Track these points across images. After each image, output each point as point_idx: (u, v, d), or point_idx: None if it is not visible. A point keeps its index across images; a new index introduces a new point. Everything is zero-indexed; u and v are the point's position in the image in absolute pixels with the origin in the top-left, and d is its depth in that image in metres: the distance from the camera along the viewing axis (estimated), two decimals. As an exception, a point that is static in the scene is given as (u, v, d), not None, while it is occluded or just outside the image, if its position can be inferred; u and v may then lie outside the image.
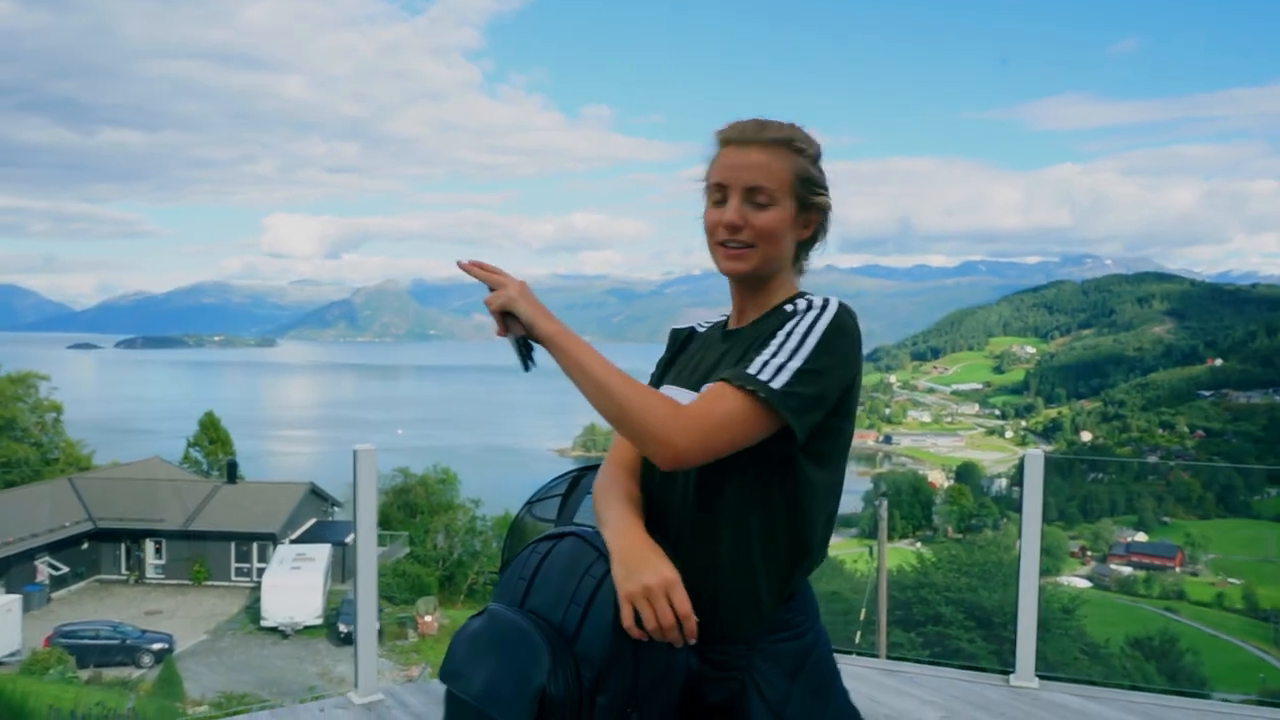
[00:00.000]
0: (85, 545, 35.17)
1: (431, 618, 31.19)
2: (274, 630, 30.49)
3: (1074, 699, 4.18)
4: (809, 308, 1.50)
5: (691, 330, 1.74)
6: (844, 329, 1.47)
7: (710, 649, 1.46)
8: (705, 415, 1.40)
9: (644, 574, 1.35)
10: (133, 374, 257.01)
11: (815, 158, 1.60)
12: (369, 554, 4.15)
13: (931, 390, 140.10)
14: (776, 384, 1.41)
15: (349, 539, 36.15)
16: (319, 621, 30.93)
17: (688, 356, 1.69)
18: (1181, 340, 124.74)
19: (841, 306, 1.50)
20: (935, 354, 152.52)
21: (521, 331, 1.46)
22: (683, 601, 1.35)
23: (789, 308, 1.55)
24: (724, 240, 1.56)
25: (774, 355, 1.44)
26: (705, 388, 1.48)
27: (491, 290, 1.48)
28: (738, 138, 1.56)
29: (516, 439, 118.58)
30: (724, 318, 1.70)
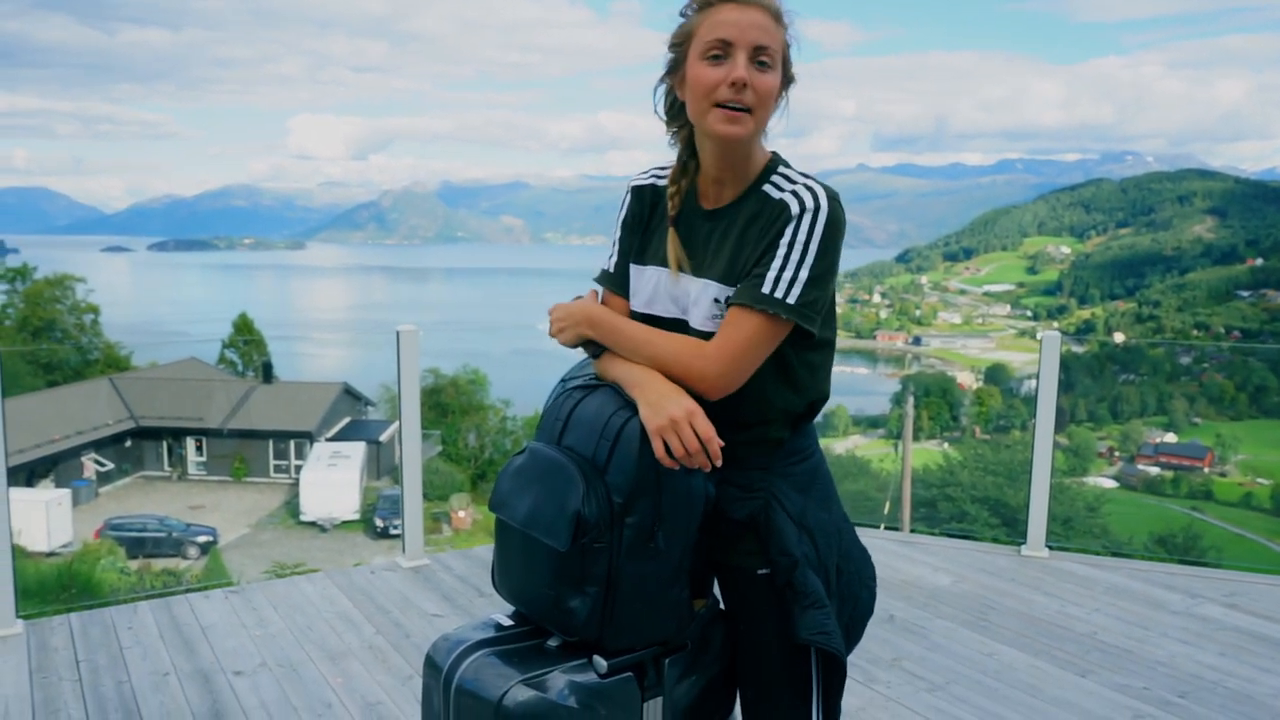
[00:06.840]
0: (128, 443, 36.17)
1: (465, 513, 31.99)
2: (313, 525, 31.46)
3: (1081, 567, 4.32)
4: (802, 210, 1.53)
5: (654, 189, 1.71)
6: (837, 223, 1.54)
7: (736, 474, 1.62)
8: (730, 345, 1.52)
9: (669, 407, 1.49)
10: (166, 277, 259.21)
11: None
12: (413, 426, 4.29)
13: (963, 292, 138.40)
14: (792, 299, 1.51)
15: (383, 437, 36.90)
16: (356, 517, 31.82)
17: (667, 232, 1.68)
18: (1222, 239, 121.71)
19: (833, 202, 1.55)
20: (968, 254, 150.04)
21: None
22: (706, 427, 1.48)
23: (774, 194, 1.57)
24: (726, 100, 1.50)
25: (783, 269, 1.51)
26: (726, 314, 1.55)
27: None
28: None
29: (546, 340, 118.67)
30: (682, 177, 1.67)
